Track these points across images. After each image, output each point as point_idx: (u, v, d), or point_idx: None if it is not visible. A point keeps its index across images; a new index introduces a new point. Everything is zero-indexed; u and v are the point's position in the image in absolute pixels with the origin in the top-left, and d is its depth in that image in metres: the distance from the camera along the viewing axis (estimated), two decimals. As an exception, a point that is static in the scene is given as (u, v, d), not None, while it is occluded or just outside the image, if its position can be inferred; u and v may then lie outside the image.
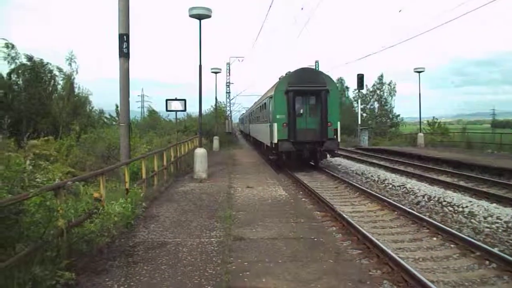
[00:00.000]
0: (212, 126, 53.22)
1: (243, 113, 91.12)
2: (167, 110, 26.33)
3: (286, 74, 30.04)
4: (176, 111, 26.51)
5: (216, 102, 54.37)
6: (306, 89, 27.65)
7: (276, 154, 28.11)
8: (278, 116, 27.67)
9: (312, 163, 30.54)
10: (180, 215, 14.65)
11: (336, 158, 34.20)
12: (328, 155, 28.45)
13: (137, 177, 18.19)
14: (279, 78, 30.94)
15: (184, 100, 25.97)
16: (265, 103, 32.54)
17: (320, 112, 27.50)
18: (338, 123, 27.94)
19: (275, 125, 27.66)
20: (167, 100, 25.80)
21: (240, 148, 49.30)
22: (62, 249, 9.59)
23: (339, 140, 27.94)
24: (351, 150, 46.21)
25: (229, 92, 74.17)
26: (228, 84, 73.86)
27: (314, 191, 20.93)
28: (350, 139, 60.36)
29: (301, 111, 27.86)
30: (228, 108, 73.11)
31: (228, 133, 60.54)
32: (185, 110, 26.31)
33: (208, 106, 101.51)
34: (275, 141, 27.59)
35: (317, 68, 52.07)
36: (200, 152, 23.30)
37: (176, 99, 26.05)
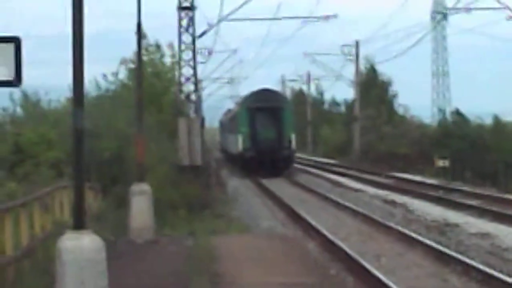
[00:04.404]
0: (122, 143, 18.91)
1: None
2: None
3: (250, 93, 37.12)
4: None
5: (139, 43, 16.09)
6: (265, 106, 35.09)
7: (242, 160, 35.33)
8: (242, 129, 35.11)
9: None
10: None
11: None
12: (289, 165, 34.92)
13: None
14: (243, 97, 38.07)
15: (15, 40, 5.20)
16: (235, 115, 39.02)
17: (277, 125, 34.86)
18: (293, 135, 35.50)
19: (240, 136, 34.97)
20: None
21: (244, 227, 17.60)
22: None
23: (293, 148, 35.47)
24: None
25: (190, 9, 26.60)
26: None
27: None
28: None
29: (261, 125, 35.03)
30: (185, 75, 27.24)
31: (193, 169, 24.25)
32: (17, 82, 5.25)
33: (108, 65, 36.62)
34: (240, 149, 34.80)
35: None
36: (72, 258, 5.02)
37: None
